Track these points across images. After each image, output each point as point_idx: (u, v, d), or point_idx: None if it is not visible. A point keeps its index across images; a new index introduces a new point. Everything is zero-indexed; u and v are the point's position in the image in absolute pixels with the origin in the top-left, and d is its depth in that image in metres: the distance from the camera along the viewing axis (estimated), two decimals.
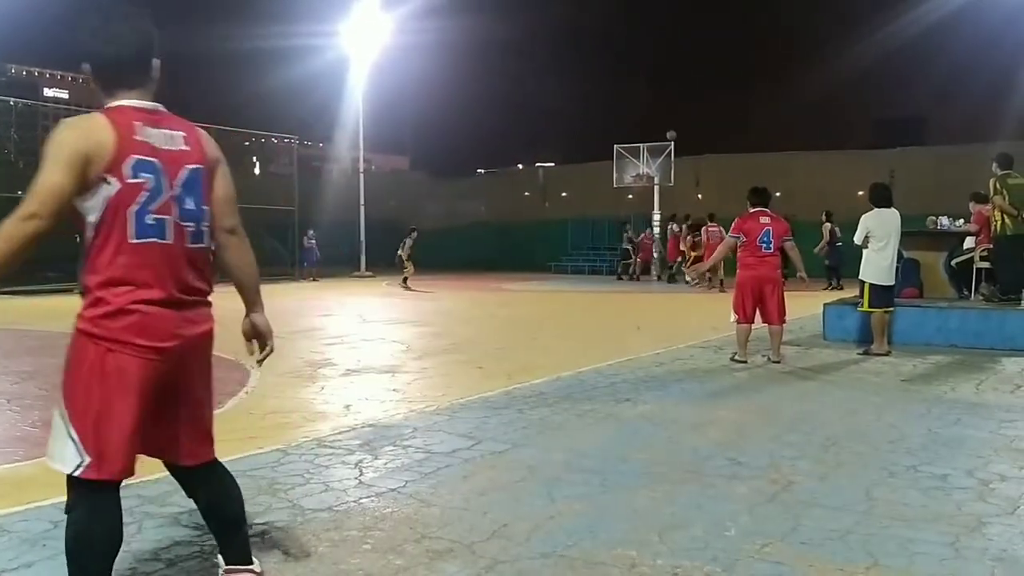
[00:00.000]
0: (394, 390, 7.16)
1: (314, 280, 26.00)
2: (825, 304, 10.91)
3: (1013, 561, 3.31)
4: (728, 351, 8.84)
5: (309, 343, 10.36)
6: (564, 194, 36.34)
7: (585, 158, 36.72)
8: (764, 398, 6.81)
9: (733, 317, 8.68)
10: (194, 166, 2.60)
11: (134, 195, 2.46)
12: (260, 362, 3.02)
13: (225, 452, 4.86)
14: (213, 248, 2.73)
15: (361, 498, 4.11)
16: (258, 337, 2.97)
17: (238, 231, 2.78)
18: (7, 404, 6.52)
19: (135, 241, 2.47)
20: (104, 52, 2.55)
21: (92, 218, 2.44)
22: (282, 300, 17.99)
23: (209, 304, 2.70)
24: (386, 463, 4.77)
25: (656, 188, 27.03)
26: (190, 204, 2.58)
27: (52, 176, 2.36)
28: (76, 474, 2.46)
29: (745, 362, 8.45)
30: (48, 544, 3.39)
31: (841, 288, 18.44)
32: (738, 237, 8.69)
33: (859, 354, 9.09)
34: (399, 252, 21.99)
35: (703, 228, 21.48)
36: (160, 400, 2.54)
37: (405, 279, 21.71)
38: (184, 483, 2.85)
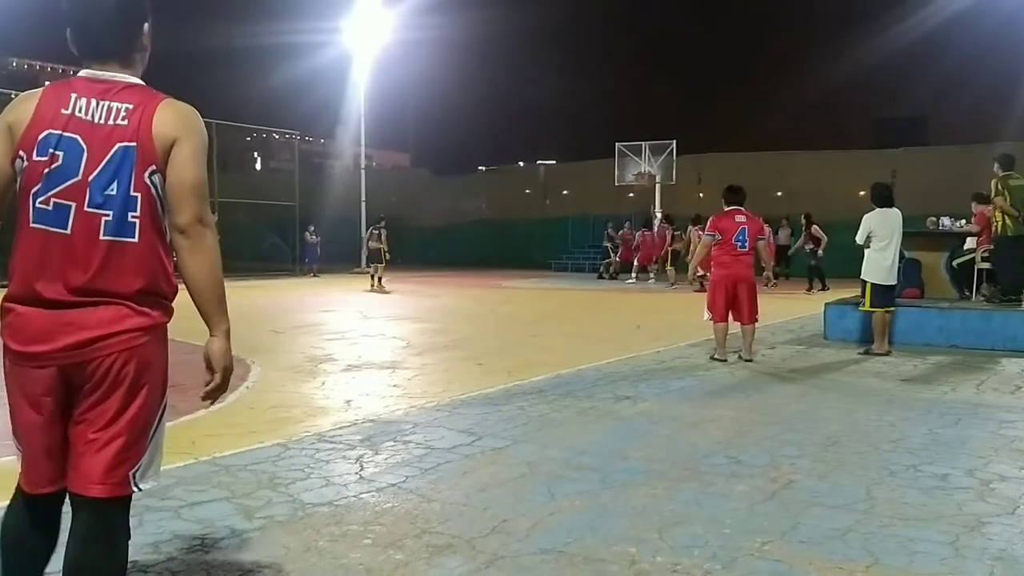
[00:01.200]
0: (395, 386, 7.16)
1: (315, 276, 26.01)
2: (826, 304, 10.92)
3: (1013, 561, 3.31)
4: (728, 350, 8.83)
5: (310, 339, 10.37)
6: (565, 192, 36.34)
7: (586, 156, 36.70)
8: (764, 397, 6.82)
9: (707, 316, 8.71)
10: (127, 144, 2.19)
11: (37, 174, 2.19)
12: (203, 397, 2.43)
13: (226, 446, 4.92)
14: (156, 244, 2.28)
15: (361, 493, 4.11)
16: (207, 367, 2.37)
17: (191, 232, 2.24)
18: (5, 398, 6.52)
19: (29, 227, 2.20)
20: (76, 17, 2.28)
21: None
22: (283, 295, 18.01)
23: (126, 305, 2.21)
24: (386, 458, 4.77)
25: (657, 186, 27.02)
26: (112, 189, 2.18)
27: None
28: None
29: (725, 360, 8.46)
30: None
31: (827, 289, 18.32)
32: (713, 235, 8.70)
33: (860, 354, 9.10)
34: (377, 244, 20.23)
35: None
36: (65, 416, 2.25)
37: (380, 278, 20.17)
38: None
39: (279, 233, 30.34)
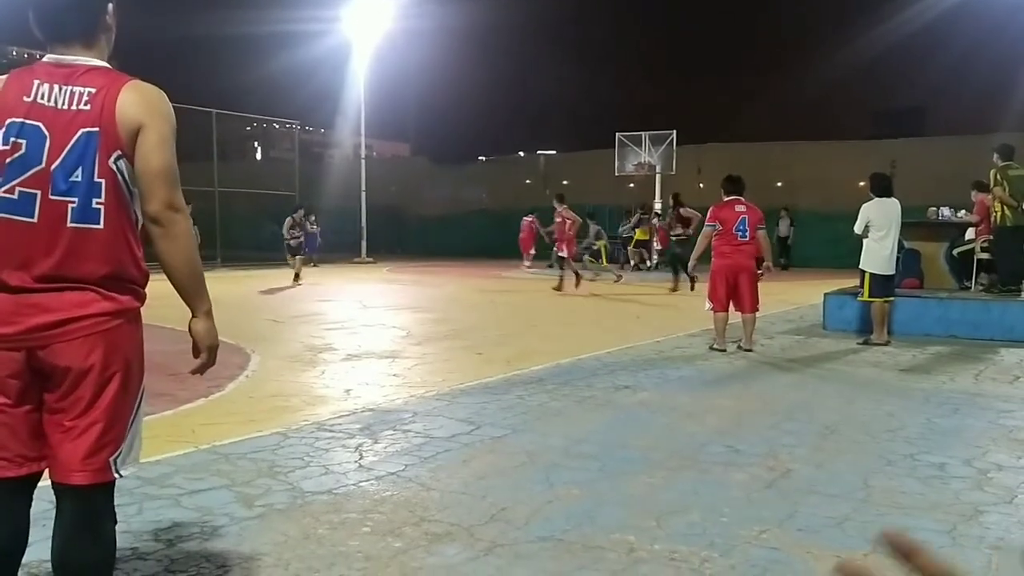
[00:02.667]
0: (394, 375, 7.17)
1: (314, 265, 25.96)
2: (825, 294, 10.92)
3: (1010, 549, 3.32)
4: (727, 340, 8.84)
5: (309, 328, 10.37)
6: (565, 182, 36.19)
7: (586, 146, 36.63)
8: (763, 386, 6.83)
9: (708, 306, 8.71)
10: (89, 130, 2.15)
11: (1, 163, 2.17)
12: (193, 372, 2.43)
13: (226, 435, 4.94)
14: (123, 230, 2.24)
15: (361, 481, 4.13)
16: (194, 347, 2.40)
17: (162, 219, 2.21)
18: None
19: None
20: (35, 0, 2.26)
21: None
22: (283, 285, 17.98)
23: (93, 290, 2.19)
24: (386, 447, 4.78)
25: (658, 177, 26.98)
26: (76, 176, 2.15)
27: None
28: None
29: (724, 350, 8.47)
30: (47, 524, 3.38)
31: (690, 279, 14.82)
32: (714, 226, 8.70)
33: (859, 344, 9.10)
34: (299, 237, 17.78)
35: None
36: (33, 399, 2.23)
37: (297, 275, 18.03)
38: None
39: (279, 223, 30.29)
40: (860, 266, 9.21)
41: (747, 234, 8.59)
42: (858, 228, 8.98)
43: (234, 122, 33.28)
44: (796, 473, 4.33)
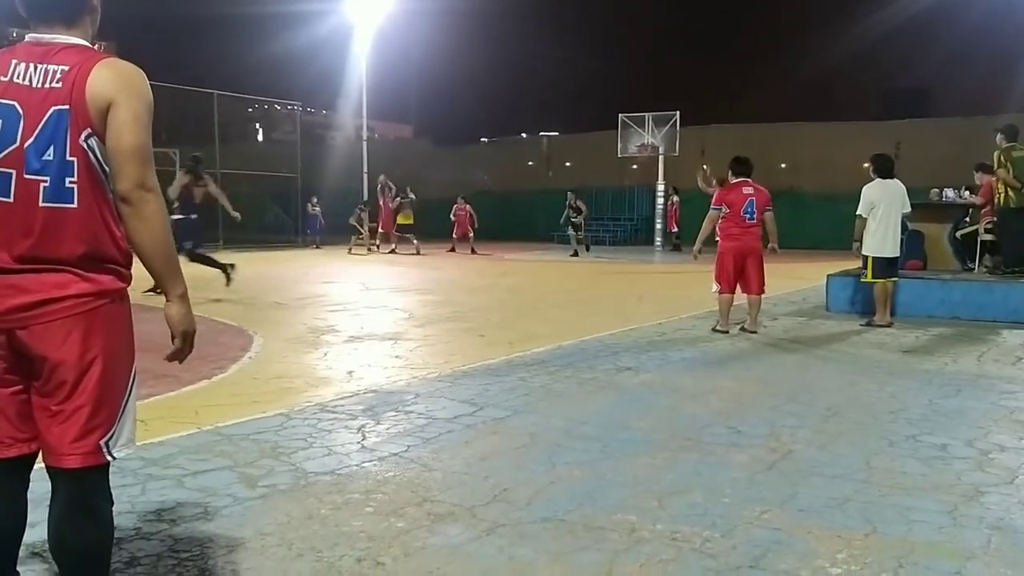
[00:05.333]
0: (397, 357, 7.18)
1: (317, 247, 26.03)
2: (828, 275, 10.91)
3: (1010, 530, 3.33)
4: (730, 322, 8.83)
5: (312, 310, 10.38)
6: (568, 164, 36.20)
7: (590, 127, 36.56)
8: (765, 368, 6.83)
9: (715, 287, 8.71)
10: (60, 107, 2.12)
11: None
12: (168, 359, 2.37)
13: (229, 416, 4.95)
14: (99, 209, 2.21)
15: (363, 462, 4.14)
16: (172, 333, 2.34)
17: (132, 198, 2.16)
18: None
19: None
20: None
21: None
22: (285, 267, 18.01)
23: (71, 272, 2.16)
24: (388, 428, 4.79)
25: (661, 158, 26.91)
26: (49, 154, 2.13)
27: None
28: None
29: (727, 332, 8.48)
30: None
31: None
32: (720, 208, 8.67)
33: (861, 325, 9.10)
34: None
35: None
36: (19, 381, 2.22)
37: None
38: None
39: (281, 205, 30.30)
40: (862, 250, 9.19)
41: (755, 216, 8.57)
42: (863, 211, 8.95)
43: (235, 104, 33.18)
44: (798, 454, 4.34)
